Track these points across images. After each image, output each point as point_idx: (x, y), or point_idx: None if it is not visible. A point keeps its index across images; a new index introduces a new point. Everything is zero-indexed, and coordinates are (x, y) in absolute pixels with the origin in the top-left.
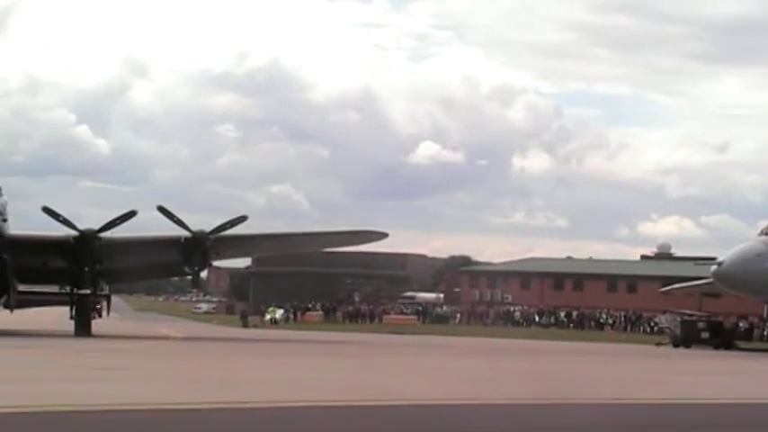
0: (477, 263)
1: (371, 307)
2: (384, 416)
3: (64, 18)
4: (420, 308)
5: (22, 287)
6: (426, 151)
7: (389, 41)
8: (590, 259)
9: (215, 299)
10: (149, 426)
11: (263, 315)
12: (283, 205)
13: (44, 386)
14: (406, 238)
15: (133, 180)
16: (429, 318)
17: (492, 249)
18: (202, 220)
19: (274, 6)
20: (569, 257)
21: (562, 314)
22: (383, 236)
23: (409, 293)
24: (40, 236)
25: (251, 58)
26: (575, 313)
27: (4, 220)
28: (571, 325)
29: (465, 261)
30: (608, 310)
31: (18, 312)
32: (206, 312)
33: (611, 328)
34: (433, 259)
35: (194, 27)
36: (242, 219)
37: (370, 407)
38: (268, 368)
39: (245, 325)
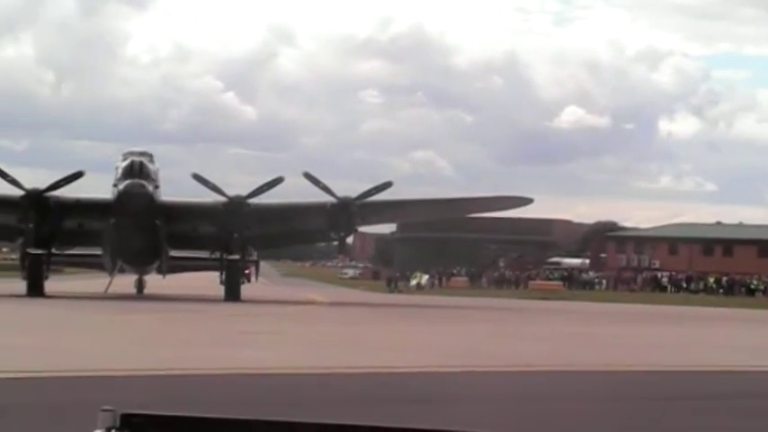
0: (624, 228)
1: (517, 273)
2: (508, 381)
3: None
4: (566, 273)
5: (173, 252)
6: (571, 116)
7: (533, 5)
8: (740, 224)
9: (360, 264)
10: (296, 389)
11: (406, 280)
12: (427, 171)
13: (195, 350)
14: (550, 204)
15: (279, 147)
16: (575, 284)
17: (638, 215)
18: (347, 187)
19: None
20: (718, 222)
21: (711, 280)
22: (528, 201)
23: (554, 259)
24: (191, 202)
25: (395, 23)
26: (724, 279)
27: (156, 187)
28: (721, 291)
29: (611, 226)
30: (759, 276)
31: (170, 277)
32: (352, 278)
33: (763, 294)
34: (579, 225)
35: None
36: (387, 185)
37: (495, 372)
38: (412, 334)
39: (392, 290)
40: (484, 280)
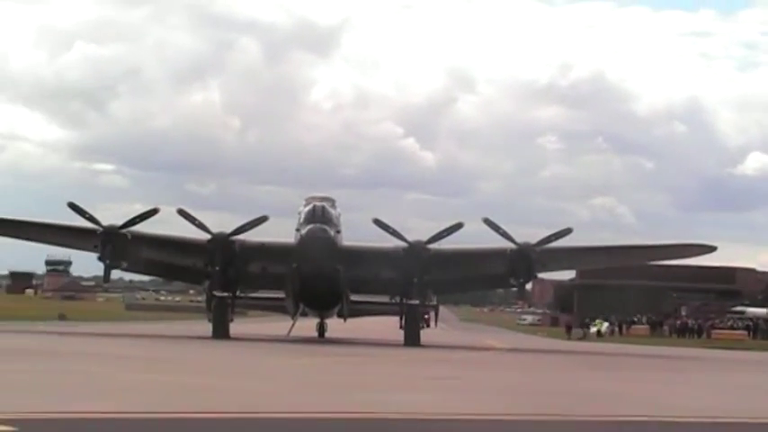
0: None
1: (699, 321)
2: None
3: (391, 33)
4: (750, 323)
5: (354, 297)
6: (755, 162)
7: (717, 51)
8: None
9: (539, 310)
10: None
11: (587, 327)
12: (607, 217)
13: (374, 395)
14: (733, 252)
15: (458, 192)
16: (760, 333)
17: None
18: (526, 233)
19: (598, 18)
20: None
21: None
22: (711, 249)
23: (738, 308)
24: (372, 247)
25: (575, 69)
26: None
27: (338, 232)
28: None
29: None
30: None
31: (350, 321)
32: (530, 324)
33: None
34: (763, 273)
35: (518, 39)
36: (567, 231)
37: (676, 423)
38: (590, 381)
39: (571, 337)
40: (665, 328)
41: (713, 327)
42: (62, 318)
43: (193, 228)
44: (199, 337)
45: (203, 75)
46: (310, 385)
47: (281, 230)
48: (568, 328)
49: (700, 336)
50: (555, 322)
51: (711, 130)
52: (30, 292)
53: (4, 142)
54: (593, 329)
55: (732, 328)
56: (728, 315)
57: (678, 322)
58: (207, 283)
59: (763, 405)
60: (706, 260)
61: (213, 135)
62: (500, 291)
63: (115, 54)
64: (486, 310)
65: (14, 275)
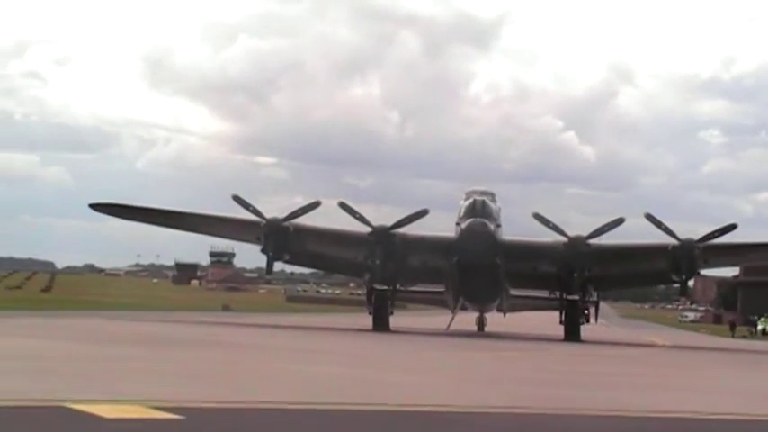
0: None
1: None
2: None
3: (550, 27)
4: None
5: (513, 291)
6: None
7: None
8: None
9: (701, 308)
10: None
11: (754, 325)
12: None
13: (543, 389)
14: None
15: (618, 187)
16: None
17: None
18: (689, 228)
19: (761, 10)
20: None
21: None
22: None
23: None
24: (532, 241)
25: (739, 63)
26: None
27: (498, 226)
28: None
29: None
30: None
31: (510, 315)
32: (692, 321)
33: None
34: None
35: (679, 33)
36: (731, 227)
37: None
38: (749, 380)
39: (734, 335)
40: None
41: None
42: (226, 308)
43: (354, 221)
44: (359, 330)
45: (363, 68)
46: (470, 380)
47: (441, 224)
48: (732, 326)
49: None
50: (718, 320)
51: None
52: (195, 282)
53: (170, 135)
54: (760, 327)
55: None
56: None
57: None
58: (367, 276)
59: None
60: None
61: (372, 128)
62: (661, 287)
63: (277, 48)
64: (646, 306)
65: (180, 266)
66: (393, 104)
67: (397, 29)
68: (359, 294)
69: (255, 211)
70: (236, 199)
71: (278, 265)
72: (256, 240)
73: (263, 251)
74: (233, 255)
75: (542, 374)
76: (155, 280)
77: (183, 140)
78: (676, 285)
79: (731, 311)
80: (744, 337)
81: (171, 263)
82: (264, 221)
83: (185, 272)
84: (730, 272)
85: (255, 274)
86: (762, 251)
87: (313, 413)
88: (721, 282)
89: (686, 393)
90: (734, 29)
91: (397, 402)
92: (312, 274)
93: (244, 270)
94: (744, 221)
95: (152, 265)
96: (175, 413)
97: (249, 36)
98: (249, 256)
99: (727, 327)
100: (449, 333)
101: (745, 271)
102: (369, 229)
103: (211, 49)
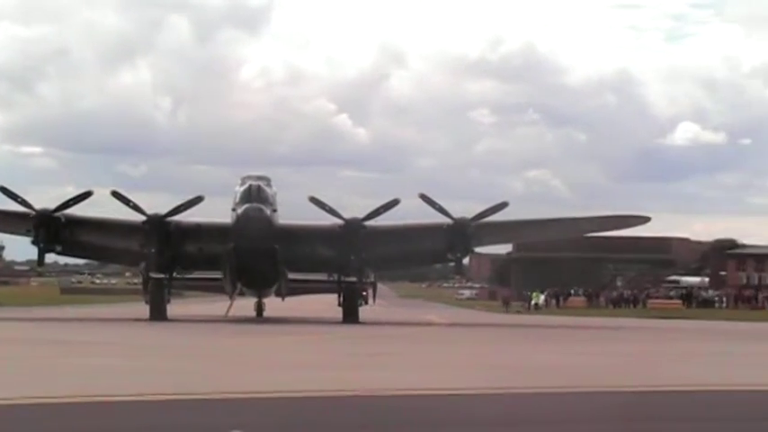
0: (744, 246)
1: (635, 292)
2: (639, 401)
3: (320, 10)
4: (685, 292)
5: (291, 275)
6: (686, 132)
7: (646, 22)
8: None
9: (477, 285)
10: (427, 410)
11: (527, 301)
12: (541, 190)
13: (318, 372)
14: (667, 222)
15: (393, 168)
16: (694, 302)
17: (758, 232)
18: (462, 207)
19: None
20: None
21: None
22: (645, 220)
23: (673, 278)
24: (308, 225)
25: (506, 43)
26: None
27: (275, 211)
28: None
29: (730, 244)
30: None
31: (288, 300)
32: (469, 298)
33: None
34: (697, 243)
35: (448, 13)
36: (503, 205)
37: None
38: (532, 354)
39: (508, 310)
40: (602, 299)
41: (649, 297)
42: None
43: (128, 210)
44: (136, 320)
45: (132, 55)
46: (247, 365)
47: (218, 210)
48: (506, 302)
49: (636, 306)
50: (493, 296)
51: (642, 101)
52: None
53: None
54: (533, 302)
55: (668, 297)
56: (664, 285)
57: (614, 293)
58: (143, 265)
59: (696, 372)
60: (641, 231)
61: (144, 116)
62: (438, 266)
63: (42, 35)
64: (424, 285)
65: None
66: (165, 91)
67: (166, 14)
68: (135, 284)
69: (24, 203)
70: (4, 190)
71: (51, 257)
72: (26, 232)
73: (33, 243)
74: (2, 247)
75: (319, 357)
76: None
77: None
78: (452, 264)
79: (505, 287)
80: (518, 312)
81: None
82: (34, 212)
83: None
84: (504, 249)
85: (27, 267)
86: (533, 228)
87: (81, 407)
88: (495, 259)
89: (450, 370)
90: (500, 9)
91: (174, 391)
92: (87, 264)
93: (14, 263)
94: (515, 199)
95: None
96: None
97: (11, 23)
98: (20, 248)
99: (501, 303)
100: (228, 319)
101: (517, 248)
102: (143, 218)
103: None
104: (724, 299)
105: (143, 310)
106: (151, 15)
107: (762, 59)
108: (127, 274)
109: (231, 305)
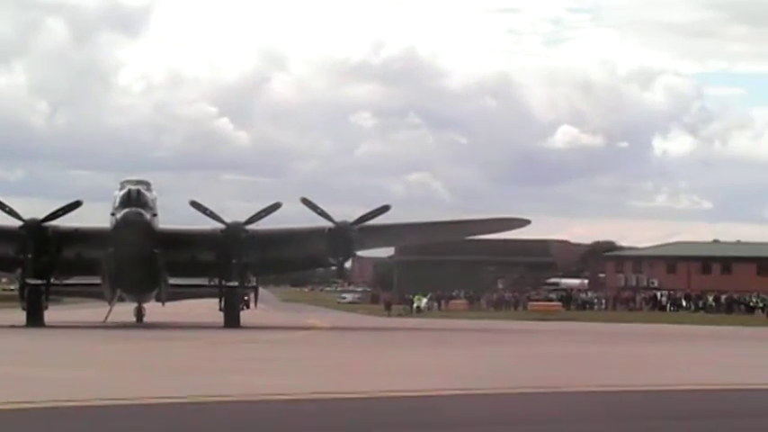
0: (622, 248)
1: (516, 294)
2: (514, 403)
3: (201, 13)
4: (564, 294)
5: (172, 280)
6: (565, 135)
7: (524, 26)
8: (738, 242)
9: (359, 289)
10: (304, 415)
11: (409, 304)
12: (423, 194)
13: (197, 377)
14: (547, 225)
15: (275, 172)
16: (574, 304)
17: (635, 234)
18: (345, 211)
19: None
20: (716, 240)
21: (710, 298)
22: (525, 223)
23: (553, 280)
24: (189, 230)
25: (387, 47)
26: (723, 297)
27: (154, 215)
28: (720, 309)
29: (609, 246)
30: (758, 294)
31: (169, 305)
32: (351, 302)
33: (762, 311)
34: (576, 245)
35: (330, 17)
36: (384, 208)
37: (502, 395)
38: (413, 357)
39: (390, 314)
40: (483, 302)
41: (529, 299)
42: None
43: (3, 215)
44: (11, 326)
45: (8, 58)
46: (126, 371)
47: (98, 215)
48: (388, 305)
49: (516, 308)
50: (375, 300)
51: (522, 104)
52: None
53: None
54: (414, 305)
55: (548, 299)
56: (544, 287)
57: (495, 295)
58: (19, 271)
59: (560, 374)
60: (521, 233)
61: (20, 119)
62: (320, 270)
63: None
64: (306, 290)
65: None
66: (41, 94)
67: (43, 16)
68: (12, 290)
69: None
70: None
71: None
72: None
73: None
74: None
75: (200, 362)
76: None
77: None
78: (334, 267)
79: (387, 291)
80: (400, 315)
81: None
82: None
83: None
84: (386, 252)
85: None
86: (415, 231)
87: None
88: (378, 262)
89: (329, 374)
90: (382, 14)
91: (47, 398)
92: None
93: None
94: (397, 202)
95: None
96: None
97: None
98: None
99: (383, 306)
100: (107, 325)
101: (399, 251)
102: (20, 223)
103: None
104: (603, 300)
105: (20, 316)
106: (27, 17)
107: (637, 63)
108: (3, 280)
109: (110, 311)
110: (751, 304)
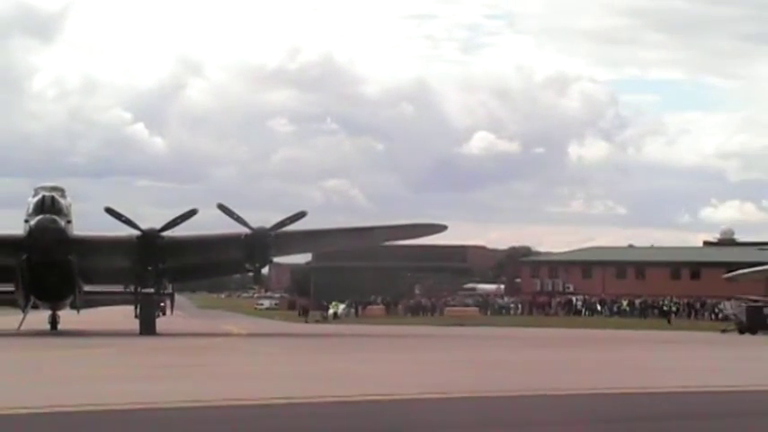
0: (537, 253)
1: (433, 300)
2: (436, 409)
3: (117, 19)
4: (481, 299)
5: (87, 287)
6: (481, 142)
7: (441, 33)
8: (652, 247)
9: (277, 295)
10: (223, 423)
11: (326, 310)
12: (340, 200)
13: (112, 385)
14: (463, 230)
15: (191, 178)
16: (490, 309)
17: (551, 239)
18: (262, 217)
19: (325, 1)
20: (631, 245)
21: (625, 303)
22: (442, 228)
23: (470, 285)
24: (104, 236)
25: (303, 52)
26: (638, 302)
27: (69, 222)
28: (634, 314)
29: (525, 252)
30: (671, 298)
31: (84, 312)
32: (268, 308)
33: (675, 315)
34: (493, 251)
35: (246, 24)
36: (301, 214)
37: (424, 400)
38: (331, 363)
39: (307, 320)
40: (400, 308)
41: (446, 304)
42: None
43: None
44: None
45: None
46: (40, 379)
47: (11, 222)
48: (305, 311)
49: (433, 314)
50: (293, 306)
51: (439, 110)
52: None
53: None
54: (331, 311)
55: (464, 305)
56: (461, 292)
57: (412, 301)
58: None
59: (485, 379)
60: (438, 239)
61: None
62: (237, 276)
63: None
64: (223, 296)
65: None
66: None
67: None
68: None
69: None
70: None
71: None
72: None
73: None
74: None
75: (115, 370)
76: None
77: None
78: (251, 274)
79: (305, 297)
80: (317, 321)
81: None
82: None
83: None
84: (303, 258)
85: None
86: (331, 237)
87: None
88: (295, 268)
89: (247, 380)
90: (298, 20)
91: None
92: None
93: None
94: (314, 208)
95: None
96: None
97: None
98: None
99: (299, 312)
100: (20, 333)
101: (316, 257)
102: None
103: None
104: (519, 305)
105: None
106: None
107: (554, 69)
108: None
109: (24, 318)
110: (664, 308)
